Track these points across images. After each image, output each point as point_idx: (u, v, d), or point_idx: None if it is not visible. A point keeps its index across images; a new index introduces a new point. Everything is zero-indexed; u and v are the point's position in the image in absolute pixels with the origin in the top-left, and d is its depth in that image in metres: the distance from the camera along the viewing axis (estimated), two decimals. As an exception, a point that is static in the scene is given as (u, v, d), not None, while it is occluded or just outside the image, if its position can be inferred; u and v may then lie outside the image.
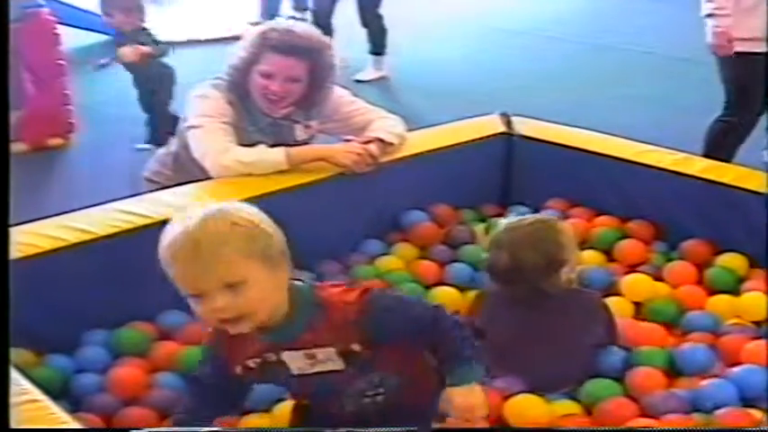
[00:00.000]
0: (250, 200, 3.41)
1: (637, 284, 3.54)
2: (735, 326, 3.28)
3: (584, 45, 9.69)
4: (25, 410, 2.19)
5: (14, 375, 2.34)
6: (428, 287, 3.58)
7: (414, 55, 9.32)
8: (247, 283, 2.16)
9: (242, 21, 10.65)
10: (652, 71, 8.61)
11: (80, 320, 3.23)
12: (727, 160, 4.88)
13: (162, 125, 5.93)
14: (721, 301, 3.43)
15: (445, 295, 3.48)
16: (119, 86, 8.09)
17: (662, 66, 8.77)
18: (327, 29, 7.46)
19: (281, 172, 3.67)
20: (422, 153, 4.03)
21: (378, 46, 8.54)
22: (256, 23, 10.65)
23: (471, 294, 3.41)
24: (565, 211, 4.04)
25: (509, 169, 4.33)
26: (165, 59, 6.29)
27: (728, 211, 3.66)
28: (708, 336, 3.22)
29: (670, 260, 3.72)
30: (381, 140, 3.86)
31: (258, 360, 2.38)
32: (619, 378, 2.97)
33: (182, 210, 2.31)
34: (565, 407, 2.86)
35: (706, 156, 4.65)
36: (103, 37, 9.45)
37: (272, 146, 3.73)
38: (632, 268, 3.68)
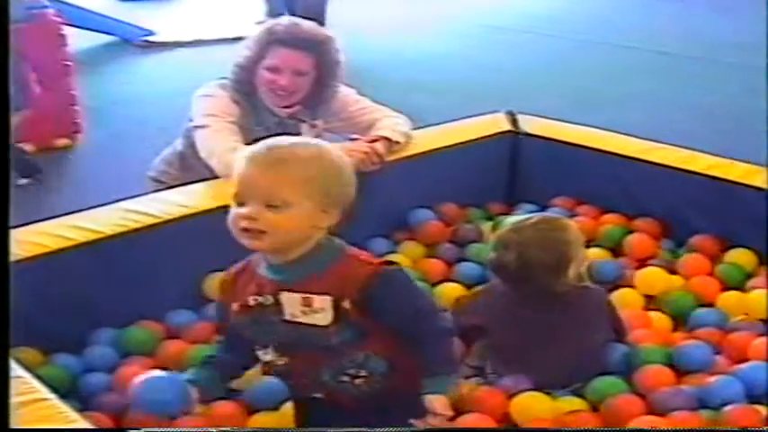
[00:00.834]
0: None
1: (650, 277, 3.55)
2: (741, 322, 3.28)
3: (588, 43, 9.69)
4: (34, 409, 2.19)
5: (23, 374, 2.35)
6: (434, 285, 3.59)
7: (413, 52, 9.33)
8: (289, 208, 2.26)
9: (248, 21, 10.67)
10: (656, 69, 8.60)
11: (88, 319, 3.24)
12: None
13: None
14: (730, 298, 3.44)
15: (451, 291, 3.49)
16: (126, 87, 8.14)
17: (666, 63, 8.77)
18: None
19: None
20: (428, 152, 4.03)
21: None
22: (262, 23, 10.71)
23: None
24: (571, 209, 4.04)
25: (515, 167, 4.33)
26: None
27: (734, 207, 3.67)
28: (715, 332, 3.23)
29: (677, 257, 3.73)
30: (387, 139, 3.87)
31: (257, 298, 2.39)
32: (625, 375, 2.97)
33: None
34: (571, 403, 2.86)
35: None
36: (109, 38, 9.52)
37: (279, 145, 3.74)
38: (641, 263, 3.69)
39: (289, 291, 2.34)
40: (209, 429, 2.89)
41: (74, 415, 2.21)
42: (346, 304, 2.31)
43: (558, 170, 4.17)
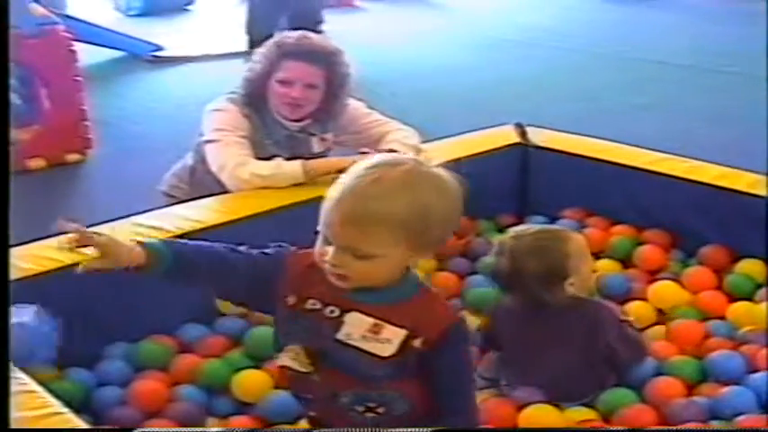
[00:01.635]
0: (268, 213, 3.47)
1: (662, 291, 3.55)
2: (751, 333, 3.28)
3: (589, 55, 9.69)
4: (48, 424, 2.21)
5: (37, 389, 2.36)
6: (447, 299, 3.59)
7: (422, 65, 9.34)
8: (378, 258, 2.12)
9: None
10: (664, 80, 8.60)
11: (101, 334, 3.25)
12: None
13: None
14: (740, 309, 3.44)
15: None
16: (135, 102, 8.16)
17: (674, 74, 8.77)
18: None
19: (298, 185, 3.68)
20: (438, 165, 4.03)
21: None
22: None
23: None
24: (581, 220, 4.05)
25: (525, 179, 4.34)
26: None
27: (743, 217, 3.67)
28: (726, 343, 3.23)
29: (687, 267, 3.73)
30: (396, 152, 3.88)
31: (318, 305, 2.25)
32: (638, 387, 2.98)
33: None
34: (581, 414, 2.87)
35: None
36: (118, 53, 9.54)
37: (289, 159, 3.75)
38: (651, 275, 3.69)
39: (360, 312, 2.22)
40: (208, 429, 2.90)
41: (88, 429, 2.23)
42: (417, 343, 2.19)
43: (567, 182, 4.18)
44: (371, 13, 12.48)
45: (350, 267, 2.13)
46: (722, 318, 3.43)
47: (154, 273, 2.32)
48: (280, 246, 2.38)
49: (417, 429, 2.23)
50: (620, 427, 2.83)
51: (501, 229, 4.09)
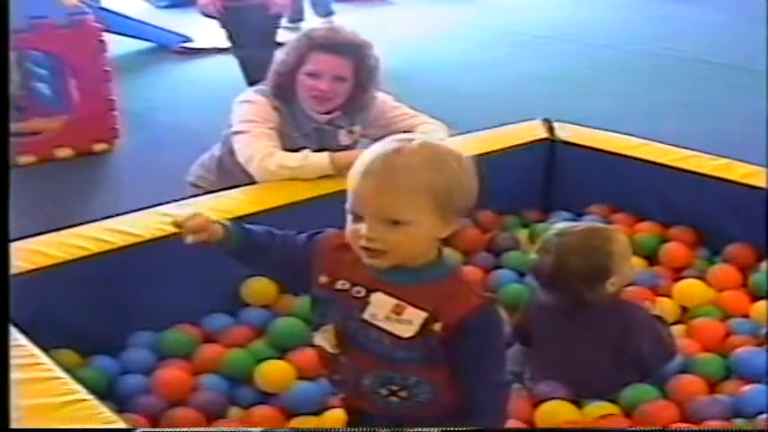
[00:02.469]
0: (295, 204, 3.48)
1: (688, 289, 3.54)
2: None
3: (622, 51, 9.66)
4: (74, 410, 2.22)
5: (62, 375, 2.37)
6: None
7: (452, 60, 9.33)
8: (410, 225, 2.13)
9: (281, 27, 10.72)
10: (693, 77, 8.57)
11: (126, 322, 3.26)
12: None
13: None
14: (764, 307, 3.40)
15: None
16: (163, 93, 8.19)
17: (703, 71, 8.74)
18: None
19: (326, 177, 3.69)
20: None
21: None
22: (287, 28, 10.79)
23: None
24: (607, 216, 4.04)
25: (551, 175, 4.33)
26: None
27: (766, 215, 3.65)
28: (749, 341, 3.22)
29: (713, 265, 3.72)
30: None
31: (347, 286, 2.28)
32: (660, 383, 2.97)
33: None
34: (603, 408, 2.87)
35: None
36: (147, 44, 9.58)
37: (317, 151, 3.75)
38: (676, 272, 3.69)
39: (385, 292, 2.23)
40: (207, 429, 2.91)
41: (113, 416, 2.24)
42: (437, 327, 2.18)
43: (593, 178, 4.17)
44: (401, 6, 12.47)
45: (385, 239, 2.13)
46: (746, 316, 3.42)
47: (226, 248, 2.47)
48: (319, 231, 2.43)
49: (421, 430, 2.24)
50: (629, 427, 2.82)
51: (526, 225, 4.09)
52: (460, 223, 2.25)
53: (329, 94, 3.85)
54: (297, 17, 11.06)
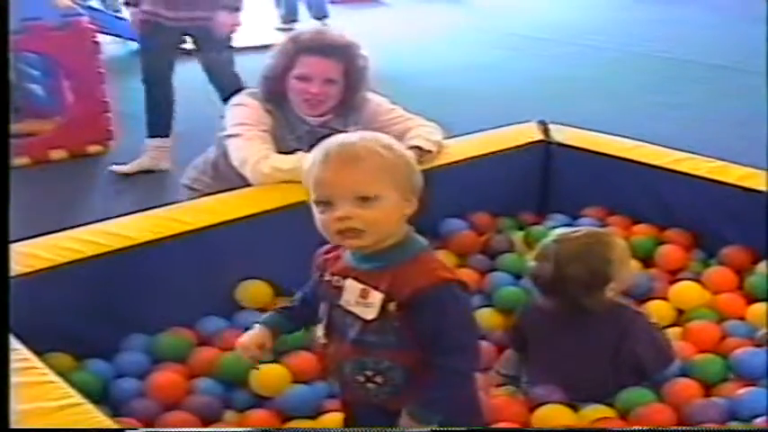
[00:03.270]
0: (290, 206, 3.47)
1: (684, 291, 3.53)
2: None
3: (620, 53, 9.68)
4: (68, 414, 2.21)
5: (56, 379, 2.36)
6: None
7: (448, 62, 9.33)
8: (379, 200, 2.24)
9: (269, 27, 10.75)
10: (688, 79, 8.59)
11: (120, 325, 3.25)
12: None
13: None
14: (759, 310, 3.41)
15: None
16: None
17: (699, 73, 8.75)
18: None
19: (320, 179, 3.68)
20: (460, 161, 4.03)
21: None
22: (281, 29, 10.79)
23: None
24: (602, 219, 4.03)
25: (547, 177, 4.33)
26: None
27: (765, 219, 3.64)
28: (745, 343, 3.22)
29: (708, 267, 3.71)
30: (419, 148, 3.87)
31: (329, 277, 2.42)
32: (656, 386, 2.97)
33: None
34: (599, 411, 2.87)
35: None
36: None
37: (311, 153, 3.75)
38: (672, 275, 3.68)
39: (356, 279, 2.34)
40: (203, 429, 2.90)
41: (106, 420, 2.23)
42: (392, 306, 2.29)
43: (589, 180, 4.16)
44: (396, 8, 12.48)
45: (359, 216, 2.25)
46: (741, 319, 3.42)
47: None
48: None
49: (420, 430, 2.25)
50: (624, 427, 2.82)
51: (522, 227, 4.08)
52: (416, 204, 2.35)
53: (320, 97, 3.84)
54: (291, 18, 11.09)
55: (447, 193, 3.95)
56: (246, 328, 3.28)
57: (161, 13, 5.98)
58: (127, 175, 6.04)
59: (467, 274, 3.71)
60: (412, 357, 2.31)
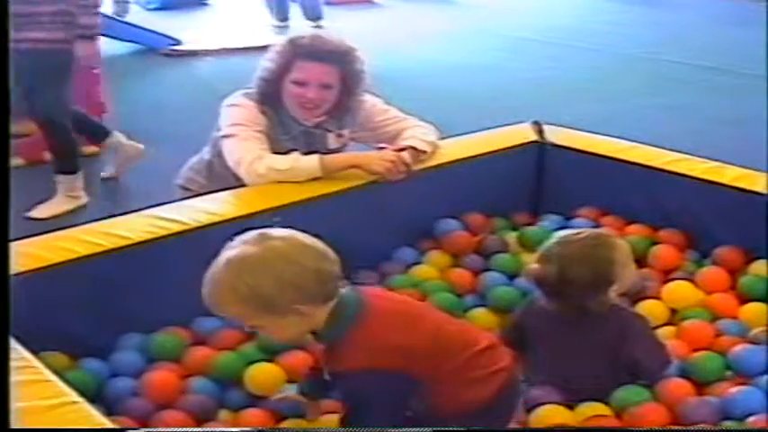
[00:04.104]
0: (285, 207, 3.48)
1: (677, 291, 3.54)
2: (762, 333, 3.27)
3: (613, 55, 9.69)
4: (63, 413, 2.22)
5: (52, 378, 2.37)
6: (460, 295, 3.61)
7: (442, 63, 9.34)
8: (264, 328, 2.49)
9: (264, 27, 10.77)
10: (682, 80, 8.60)
11: (115, 325, 3.25)
12: None
13: None
14: (752, 310, 3.43)
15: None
16: (152, 95, 8.18)
17: (694, 76, 8.77)
18: None
19: (315, 180, 3.69)
20: (454, 161, 4.04)
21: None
22: (276, 27, 10.80)
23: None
24: (596, 219, 4.04)
25: (541, 178, 4.34)
26: None
27: (759, 219, 3.65)
28: (738, 341, 3.23)
29: (702, 268, 3.72)
30: (414, 148, 3.88)
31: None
32: (651, 385, 2.98)
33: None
34: (594, 409, 2.87)
35: None
36: (136, 46, 9.58)
37: (306, 154, 3.75)
38: (666, 275, 3.69)
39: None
40: (198, 429, 2.91)
41: (102, 418, 2.23)
42: (326, 375, 2.61)
43: (583, 180, 4.17)
44: (391, 9, 12.49)
45: (273, 336, 2.57)
46: (734, 318, 3.43)
47: None
48: None
49: (418, 429, 2.28)
50: (618, 426, 2.83)
51: (516, 227, 4.09)
52: (321, 300, 2.45)
53: (316, 102, 3.84)
54: (283, 16, 11.10)
55: (441, 193, 3.97)
56: (241, 328, 3.31)
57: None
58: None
59: (460, 274, 3.73)
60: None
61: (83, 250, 3.17)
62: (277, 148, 3.79)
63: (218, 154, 3.93)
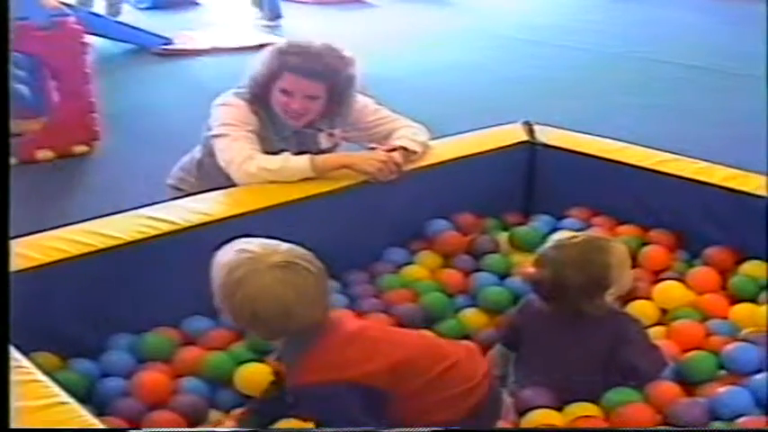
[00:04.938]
0: (276, 206, 3.48)
1: (668, 291, 3.54)
2: (752, 334, 3.28)
3: (602, 54, 9.70)
4: (53, 413, 2.21)
5: (42, 378, 2.37)
6: (451, 296, 3.61)
7: (433, 63, 9.34)
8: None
9: (255, 27, 10.78)
10: (672, 80, 8.61)
11: (105, 325, 3.25)
12: None
13: None
14: (742, 310, 3.43)
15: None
16: (144, 94, 8.18)
17: (683, 75, 8.77)
18: None
19: (306, 180, 3.69)
20: (445, 161, 4.04)
21: None
22: (267, 25, 10.77)
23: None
24: (587, 219, 4.05)
25: (532, 178, 4.33)
26: None
27: (749, 219, 3.66)
28: (728, 341, 3.23)
29: (692, 268, 3.72)
30: (405, 149, 3.88)
31: None
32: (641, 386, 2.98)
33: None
34: (583, 409, 2.87)
35: None
36: (127, 45, 9.57)
37: (297, 154, 3.75)
38: (656, 275, 3.70)
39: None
40: (192, 430, 2.90)
41: (92, 419, 2.23)
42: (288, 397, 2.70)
43: (574, 181, 4.17)
44: (382, 10, 12.49)
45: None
46: (724, 318, 3.43)
47: None
48: None
49: (417, 429, 2.27)
50: (613, 427, 2.83)
51: (506, 227, 4.09)
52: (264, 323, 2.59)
53: (301, 111, 3.83)
54: (275, 15, 11.10)
55: (432, 193, 3.97)
56: (231, 328, 3.31)
57: None
58: None
59: (451, 275, 3.73)
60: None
61: (73, 250, 3.17)
62: (268, 148, 3.79)
63: (210, 153, 3.93)
